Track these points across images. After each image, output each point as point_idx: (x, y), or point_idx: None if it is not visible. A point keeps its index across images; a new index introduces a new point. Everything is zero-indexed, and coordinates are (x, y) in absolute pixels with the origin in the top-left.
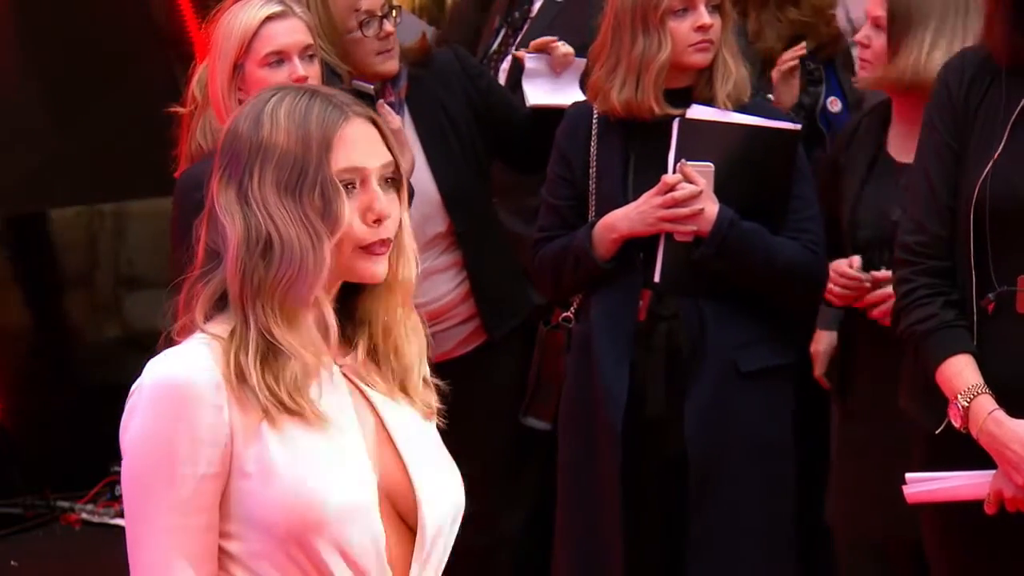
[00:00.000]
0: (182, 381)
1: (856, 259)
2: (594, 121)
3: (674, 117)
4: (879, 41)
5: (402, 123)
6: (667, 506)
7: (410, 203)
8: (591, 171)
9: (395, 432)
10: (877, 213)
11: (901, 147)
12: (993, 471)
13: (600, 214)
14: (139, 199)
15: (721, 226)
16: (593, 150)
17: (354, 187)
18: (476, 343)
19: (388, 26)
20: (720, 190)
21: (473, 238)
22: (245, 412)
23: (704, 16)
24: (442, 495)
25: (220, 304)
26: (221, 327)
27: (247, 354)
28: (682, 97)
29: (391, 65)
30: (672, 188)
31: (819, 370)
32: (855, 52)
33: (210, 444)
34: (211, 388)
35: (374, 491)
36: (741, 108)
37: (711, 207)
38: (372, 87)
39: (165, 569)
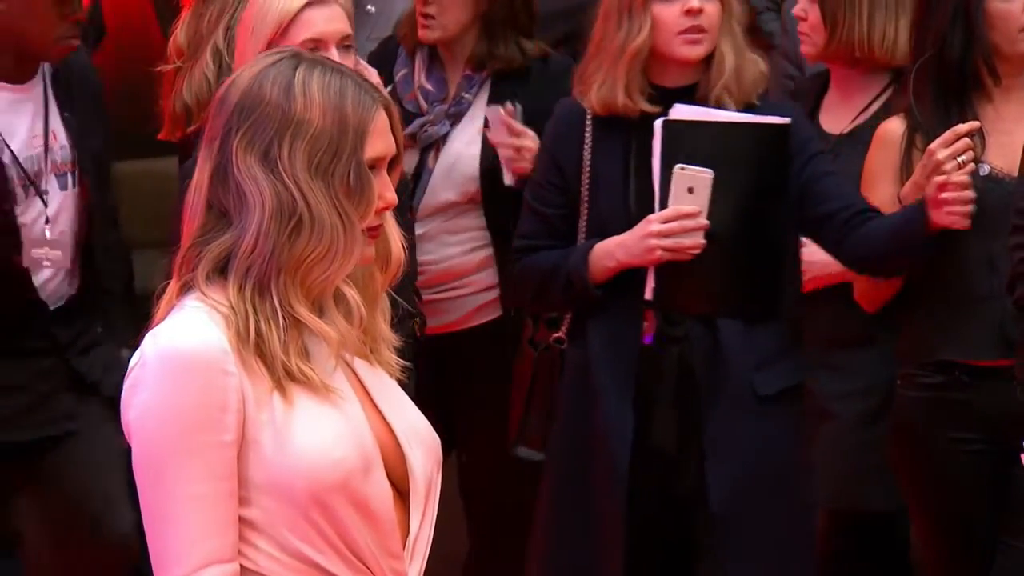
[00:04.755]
0: (190, 349)
1: None
2: (587, 122)
3: (657, 117)
4: (814, 14)
5: (478, 88)
6: (672, 548)
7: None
8: (583, 178)
9: (376, 396)
10: None
11: (833, 117)
12: None
13: (594, 226)
14: (131, 160)
15: None
16: (587, 155)
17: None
18: (491, 316)
19: None
20: (718, 193)
21: (503, 214)
22: (253, 379)
23: None
24: (424, 449)
25: (220, 268)
26: (219, 294)
27: (268, 324)
28: (683, 97)
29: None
30: (675, 217)
31: None
32: None
33: (225, 410)
34: (220, 354)
35: (377, 450)
36: (746, 108)
37: None
38: None
39: (194, 540)
